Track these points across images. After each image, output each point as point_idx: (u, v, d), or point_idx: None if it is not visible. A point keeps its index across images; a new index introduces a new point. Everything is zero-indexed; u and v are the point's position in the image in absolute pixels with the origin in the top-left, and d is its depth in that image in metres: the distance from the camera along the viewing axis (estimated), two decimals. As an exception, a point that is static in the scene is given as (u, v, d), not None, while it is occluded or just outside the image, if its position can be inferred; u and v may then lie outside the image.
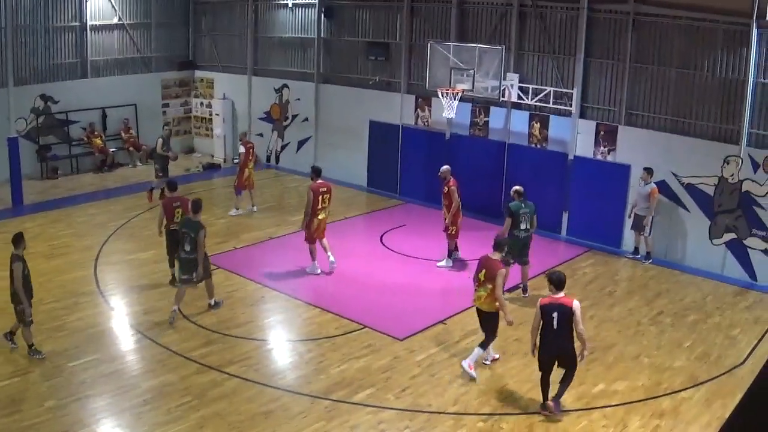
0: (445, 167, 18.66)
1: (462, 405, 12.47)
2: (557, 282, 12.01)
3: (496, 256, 13.39)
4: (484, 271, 13.17)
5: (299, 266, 18.48)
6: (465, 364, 13.29)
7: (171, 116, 30.84)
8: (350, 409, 12.26)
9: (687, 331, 15.61)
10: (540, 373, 12.22)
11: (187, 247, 15.27)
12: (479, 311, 13.44)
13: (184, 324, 15.06)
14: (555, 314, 11.69)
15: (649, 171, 19.22)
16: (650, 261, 19.65)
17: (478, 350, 13.34)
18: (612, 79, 20.49)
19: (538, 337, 11.93)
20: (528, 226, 16.72)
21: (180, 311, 15.37)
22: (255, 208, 22.98)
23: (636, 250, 19.96)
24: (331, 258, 18.12)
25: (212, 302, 15.94)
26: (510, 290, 16.67)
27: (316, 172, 18.24)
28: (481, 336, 13.53)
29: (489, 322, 13.34)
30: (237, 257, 19.04)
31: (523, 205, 16.69)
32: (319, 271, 18.09)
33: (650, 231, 19.44)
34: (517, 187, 17.03)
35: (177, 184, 17.78)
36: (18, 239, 13.89)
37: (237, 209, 22.76)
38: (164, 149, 23.06)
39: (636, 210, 19.48)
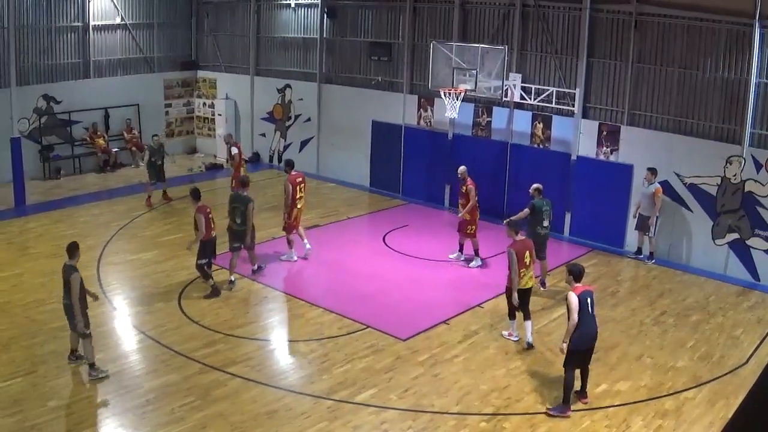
0: (463, 167, 18.93)
1: (464, 405, 12.48)
2: (578, 273, 12.42)
3: (522, 236, 14.89)
4: (527, 252, 14.53)
5: (301, 266, 18.52)
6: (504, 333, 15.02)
7: (173, 116, 30.86)
8: (353, 409, 12.27)
9: (690, 331, 15.60)
10: (568, 372, 12.46)
11: (238, 220, 17.15)
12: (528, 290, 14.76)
13: (186, 324, 15.07)
14: (589, 300, 12.27)
15: (653, 171, 19.24)
16: (653, 261, 19.66)
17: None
18: (614, 79, 20.48)
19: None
20: (548, 223, 17.38)
21: (182, 311, 15.43)
22: None
23: (639, 251, 19.98)
24: (308, 245, 18.95)
25: (255, 267, 17.88)
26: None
27: (290, 165, 19.20)
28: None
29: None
30: (240, 257, 19.01)
31: (544, 202, 17.27)
32: (295, 258, 18.83)
33: (654, 231, 19.47)
34: (537, 185, 17.56)
35: (197, 193, 16.76)
36: (73, 249, 13.19)
37: None
38: (153, 159, 22.94)
39: (640, 210, 19.48)
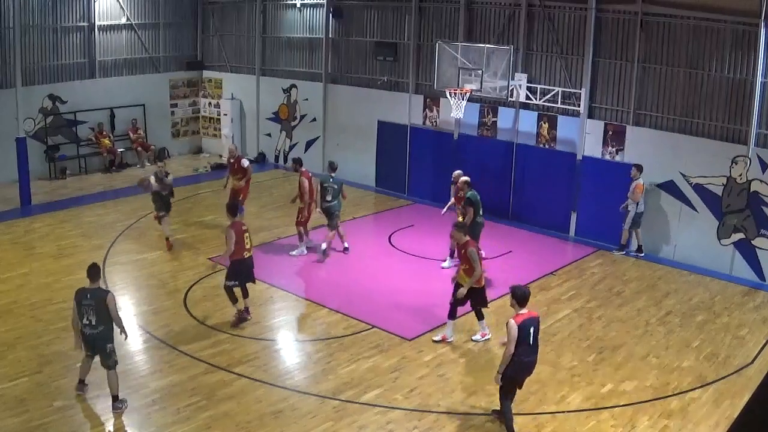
0: (459, 172, 19.13)
1: (470, 405, 12.48)
2: (521, 297, 11.42)
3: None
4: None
5: (307, 266, 18.55)
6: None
7: (179, 116, 30.88)
8: (359, 409, 12.27)
9: (695, 331, 15.59)
10: (505, 403, 11.58)
11: (329, 197, 18.73)
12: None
13: (192, 324, 15.08)
14: (532, 329, 11.24)
15: (638, 167, 19.45)
16: (624, 252, 20.08)
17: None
18: (620, 79, 20.46)
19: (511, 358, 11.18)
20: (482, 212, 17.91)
21: (188, 311, 15.51)
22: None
23: (640, 248, 20.15)
24: (324, 245, 19.38)
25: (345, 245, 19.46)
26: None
27: (299, 162, 19.92)
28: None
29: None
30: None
31: (477, 193, 17.80)
32: (305, 252, 19.47)
33: (630, 224, 19.75)
34: (466, 178, 18.19)
35: (234, 208, 15.64)
36: (96, 271, 12.25)
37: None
38: (158, 186, 19.48)
39: (623, 206, 19.72)
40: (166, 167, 19.89)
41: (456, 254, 17.86)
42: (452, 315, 14.62)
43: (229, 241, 14.72)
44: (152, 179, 19.13)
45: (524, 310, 11.34)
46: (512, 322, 11.11)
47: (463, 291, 14.23)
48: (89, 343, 11.97)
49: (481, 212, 17.87)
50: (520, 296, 11.41)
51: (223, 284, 15.22)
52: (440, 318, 15.61)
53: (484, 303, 14.69)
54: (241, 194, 20.84)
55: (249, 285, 15.39)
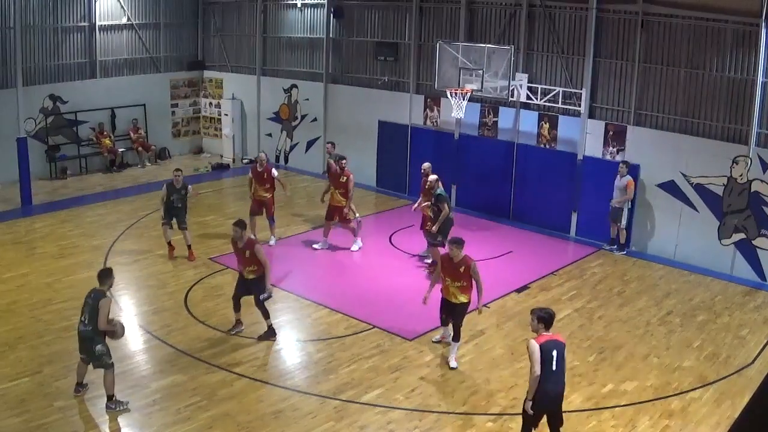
0: (426, 165, 19.95)
1: (471, 405, 12.48)
2: (548, 320, 10.53)
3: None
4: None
5: (308, 266, 18.56)
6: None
7: (180, 116, 30.89)
8: (359, 409, 12.27)
9: (696, 331, 15.59)
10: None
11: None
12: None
13: (193, 324, 15.09)
14: (555, 352, 10.31)
15: (626, 164, 19.57)
16: (624, 252, 20.10)
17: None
18: (621, 79, 20.46)
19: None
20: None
21: (189, 311, 15.52)
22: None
23: (613, 241, 20.31)
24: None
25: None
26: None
27: (344, 158, 20.10)
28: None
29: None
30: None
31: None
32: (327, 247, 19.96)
33: (625, 222, 19.84)
34: (435, 176, 18.41)
35: (243, 224, 14.75)
36: (105, 276, 12.32)
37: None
38: (172, 198, 18.66)
39: (613, 202, 19.77)
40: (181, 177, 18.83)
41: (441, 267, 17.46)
42: (446, 323, 14.30)
43: (264, 259, 14.46)
44: (164, 190, 18.32)
45: (548, 333, 10.47)
46: (533, 342, 10.31)
47: (481, 310, 14.08)
48: (79, 341, 12.07)
49: (449, 208, 17.97)
50: (546, 318, 10.50)
51: (261, 298, 14.57)
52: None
53: (461, 319, 13.85)
54: (268, 205, 20.13)
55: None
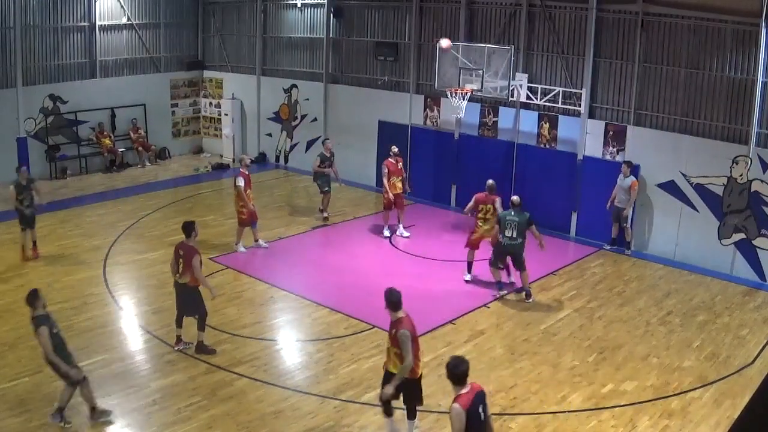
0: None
1: (471, 405, 12.46)
2: (459, 376, 8.84)
3: None
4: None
5: (308, 266, 18.56)
6: None
7: (180, 116, 30.90)
8: (359, 409, 12.28)
9: (696, 331, 15.58)
10: None
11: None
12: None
13: (192, 324, 15.03)
14: (481, 407, 8.88)
15: (628, 164, 19.59)
16: (630, 252, 20.10)
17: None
18: (621, 79, 20.45)
19: None
20: (514, 234, 16.57)
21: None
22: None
23: (614, 241, 20.37)
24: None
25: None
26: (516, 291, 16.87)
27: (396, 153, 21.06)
28: None
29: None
30: (246, 257, 19.08)
31: (512, 213, 16.66)
32: (387, 233, 20.98)
33: (631, 222, 19.85)
34: (513, 197, 17.06)
35: (189, 227, 14.22)
36: (33, 297, 11.71)
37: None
38: (20, 198, 18.44)
39: (616, 202, 19.82)
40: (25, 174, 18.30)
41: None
42: (388, 412, 11.42)
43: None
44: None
45: (466, 388, 8.82)
46: (457, 407, 8.61)
47: (389, 389, 10.94)
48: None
49: (508, 233, 16.68)
50: (457, 375, 8.86)
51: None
52: (440, 318, 15.68)
53: (419, 400, 11.36)
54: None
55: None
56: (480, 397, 8.89)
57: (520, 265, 16.84)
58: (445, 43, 20.06)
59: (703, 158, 19.02)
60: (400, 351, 10.88)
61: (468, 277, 17.82)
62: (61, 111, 26.73)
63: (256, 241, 19.68)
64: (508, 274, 17.65)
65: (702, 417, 12.27)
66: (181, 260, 13.78)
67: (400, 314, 11.02)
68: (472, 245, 17.66)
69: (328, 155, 22.03)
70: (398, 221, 21.11)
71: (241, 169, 19.31)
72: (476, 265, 17.70)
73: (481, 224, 17.55)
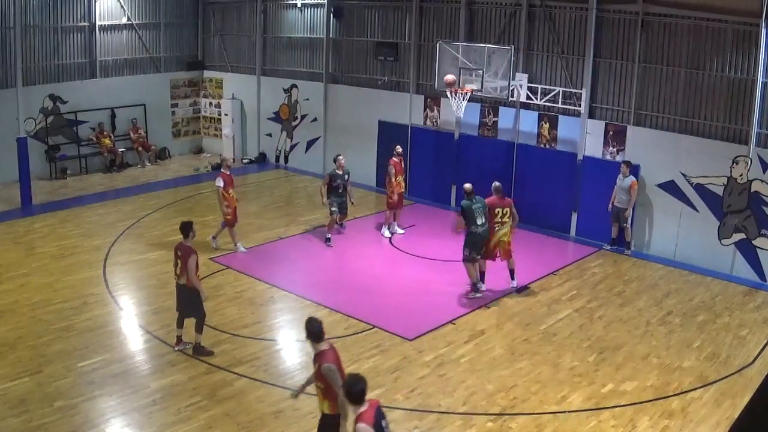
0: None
1: (471, 405, 12.47)
2: (357, 395, 8.52)
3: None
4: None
5: (308, 266, 18.57)
6: None
7: (180, 116, 30.89)
8: (359, 409, 12.26)
9: (696, 331, 15.58)
10: None
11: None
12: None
13: (192, 324, 15.05)
14: (383, 422, 8.61)
15: (627, 164, 19.61)
16: (630, 252, 20.11)
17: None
18: (621, 79, 20.45)
19: None
20: (484, 220, 16.56)
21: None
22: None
23: (614, 241, 20.37)
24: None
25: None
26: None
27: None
28: None
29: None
30: (246, 257, 19.08)
31: (474, 200, 16.68)
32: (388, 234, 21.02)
33: (631, 222, 19.87)
34: (465, 185, 17.11)
35: (186, 227, 14.04)
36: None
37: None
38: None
39: (616, 202, 19.84)
40: None
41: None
42: None
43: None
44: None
45: (364, 406, 8.52)
46: (362, 426, 8.29)
47: None
48: None
49: (479, 221, 16.67)
50: (353, 395, 8.54)
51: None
52: (441, 318, 15.68)
53: None
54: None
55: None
56: (380, 413, 8.60)
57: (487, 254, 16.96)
58: (449, 77, 19.91)
59: (703, 158, 19.02)
60: (326, 387, 9.63)
61: (483, 288, 17.10)
62: (61, 111, 26.72)
63: (215, 238, 19.70)
64: (483, 280, 17.21)
65: (702, 417, 12.27)
66: (179, 261, 13.80)
67: (323, 346, 9.73)
68: (489, 255, 17.07)
69: (341, 173, 20.21)
70: (394, 218, 21.24)
71: (222, 170, 19.26)
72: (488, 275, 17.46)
73: (498, 229, 16.79)
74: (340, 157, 20.43)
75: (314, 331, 9.67)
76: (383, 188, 25.47)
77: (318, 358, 9.69)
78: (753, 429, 5.38)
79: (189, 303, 13.90)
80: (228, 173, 19.17)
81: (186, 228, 13.91)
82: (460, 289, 17.37)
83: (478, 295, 16.84)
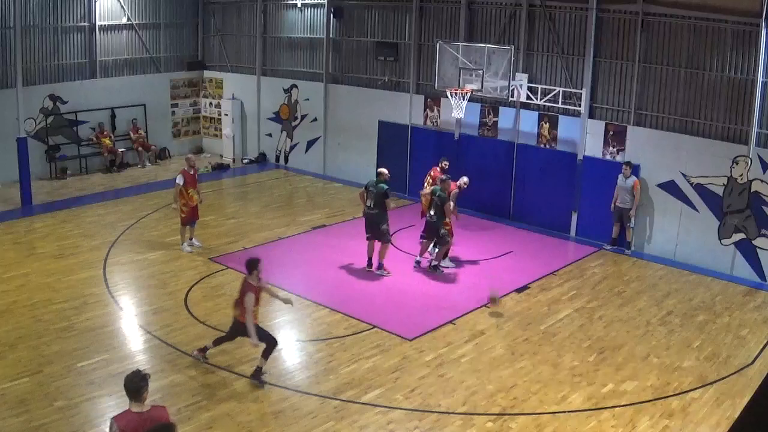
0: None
1: (471, 405, 12.47)
2: (136, 391, 8.27)
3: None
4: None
5: (308, 266, 18.56)
6: None
7: (180, 116, 30.89)
8: (359, 409, 12.27)
9: (696, 331, 15.58)
10: None
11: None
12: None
13: (192, 324, 15.09)
14: None
15: (629, 164, 19.68)
16: (630, 252, 20.17)
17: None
18: (621, 79, 20.46)
19: None
20: (371, 204, 18.06)
21: (189, 311, 15.52)
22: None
23: (614, 241, 20.40)
24: None
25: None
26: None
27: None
28: None
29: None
30: (246, 257, 19.02)
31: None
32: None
33: (634, 222, 19.94)
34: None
35: (251, 264, 13.22)
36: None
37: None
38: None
39: (618, 203, 19.92)
40: None
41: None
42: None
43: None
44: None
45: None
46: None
47: None
48: None
49: (368, 203, 18.44)
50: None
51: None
52: (441, 318, 15.67)
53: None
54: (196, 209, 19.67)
55: None
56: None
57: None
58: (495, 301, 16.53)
59: (703, 158, 19.02)
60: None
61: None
62: (61, 111, 26.73)
63: (191, 239, 19.53)
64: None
65: (702, 417, 12.27)
66: (238, 294, 13.12)
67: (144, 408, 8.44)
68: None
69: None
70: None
71: (184, 168, 19.26)
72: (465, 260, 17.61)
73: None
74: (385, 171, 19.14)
75: (131, 389, 8.37)
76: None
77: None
78: (753, 429, 5.38)
79: (239, 334, 13.14)
80: (191, 173, 19.17)
81: (250, 265, 13.08)
82: (461, 289, 17.40)
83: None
